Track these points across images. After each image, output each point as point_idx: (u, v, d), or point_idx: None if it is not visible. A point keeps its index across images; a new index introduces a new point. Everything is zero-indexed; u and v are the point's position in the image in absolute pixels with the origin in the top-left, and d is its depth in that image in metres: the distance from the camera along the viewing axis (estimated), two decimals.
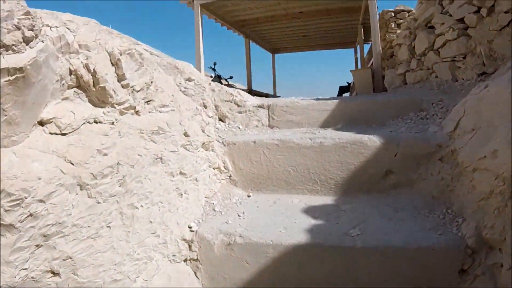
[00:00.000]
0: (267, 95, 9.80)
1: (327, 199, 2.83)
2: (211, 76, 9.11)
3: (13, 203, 1.54)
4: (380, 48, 5.28)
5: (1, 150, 1.61)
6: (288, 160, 2.97)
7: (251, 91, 9.05)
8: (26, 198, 1.59)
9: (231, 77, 9.58)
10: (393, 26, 5.82)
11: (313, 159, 2.92)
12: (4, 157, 1.59)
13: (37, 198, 1.63)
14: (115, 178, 2.04)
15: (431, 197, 2.59)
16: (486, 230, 2.01)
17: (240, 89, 8.95)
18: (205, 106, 3.59)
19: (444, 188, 2.56)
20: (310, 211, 2.67)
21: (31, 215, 1.62)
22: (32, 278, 1.65)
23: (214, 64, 9.25)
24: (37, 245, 1.68)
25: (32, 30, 1.59)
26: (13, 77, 1.53)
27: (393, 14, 5.93)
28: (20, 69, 1.54)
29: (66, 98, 1.98)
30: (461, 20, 3.69)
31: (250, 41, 9.55)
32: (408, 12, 5.72)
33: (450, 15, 3.83)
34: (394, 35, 5.61)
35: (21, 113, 1.64)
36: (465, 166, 2.35)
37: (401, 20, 5.74)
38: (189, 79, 3.62)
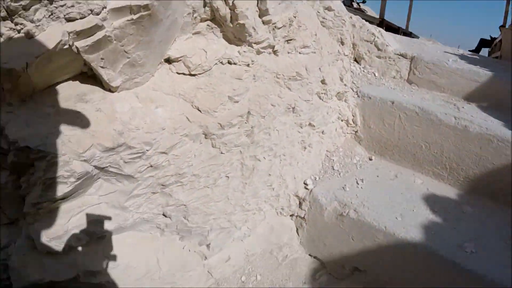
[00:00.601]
0: (398, 29, 7.97)
1: (451, 191, 2.16)
2: None
3: (134, 156, 1.29)
4: None
5: (123, 94, 1.33)
6: (424, 133, 2.24)
7: (382, 21, 7.42)
8: (147, 150, 1.31)
9: (364, 1, 7.98)
10: None
11: (451, 142, 2.15)
12: (125, 103, 1.30)
13: (159, 150, 1.35)
14: (242, 128, 1.66)
15: None
16: None
17: (371, 16, 7.46)
18: (342, 43, 2.83)
19: None
20: (431, 200, 2.08)
21: (151, 166, 1.36)
22: (143, 218, 1.49)
23: None
24: (153, 192, 1.46)
25: None
26: (137, 15, 1.13)
27: None
28: (145, 7, 1.13)
29: (197, 33, 1.54)
30: None
31: None
32: None
33: None
34: None
35: (145, 54, 1.28)
36: None
37: None
38: (329, 9, 2.81)
